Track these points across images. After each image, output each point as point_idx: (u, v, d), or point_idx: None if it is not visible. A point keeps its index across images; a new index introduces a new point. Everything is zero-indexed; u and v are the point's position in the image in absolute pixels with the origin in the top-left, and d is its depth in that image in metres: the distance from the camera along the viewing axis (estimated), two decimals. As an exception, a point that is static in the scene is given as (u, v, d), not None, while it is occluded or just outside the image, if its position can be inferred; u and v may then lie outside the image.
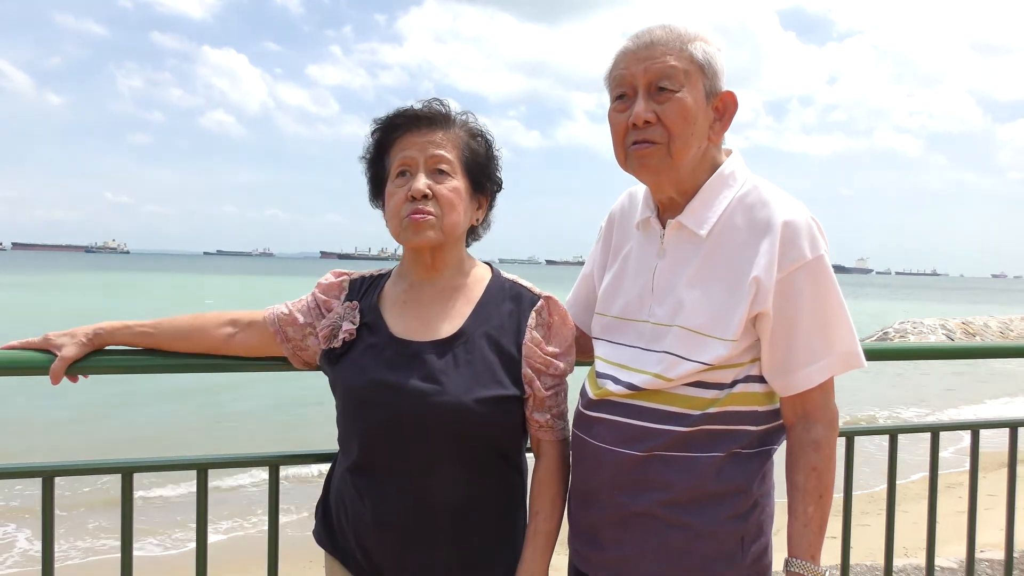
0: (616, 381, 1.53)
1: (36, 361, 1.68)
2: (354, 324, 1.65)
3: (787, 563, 1.47)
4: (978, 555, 2.77)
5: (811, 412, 1.48)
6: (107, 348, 1.73)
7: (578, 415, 1.62)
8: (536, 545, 1.62)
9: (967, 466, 2.49)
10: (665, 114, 1.45)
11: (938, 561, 2.64)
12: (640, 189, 1.67)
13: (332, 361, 1.66)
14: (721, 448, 1.47)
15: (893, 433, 2.40)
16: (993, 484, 2.82)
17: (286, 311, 1.74)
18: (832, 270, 1.46)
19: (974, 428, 2.49)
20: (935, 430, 2.45)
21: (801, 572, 1.44)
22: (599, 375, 1.59)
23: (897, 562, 2.57)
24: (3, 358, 1.68)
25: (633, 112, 1.47)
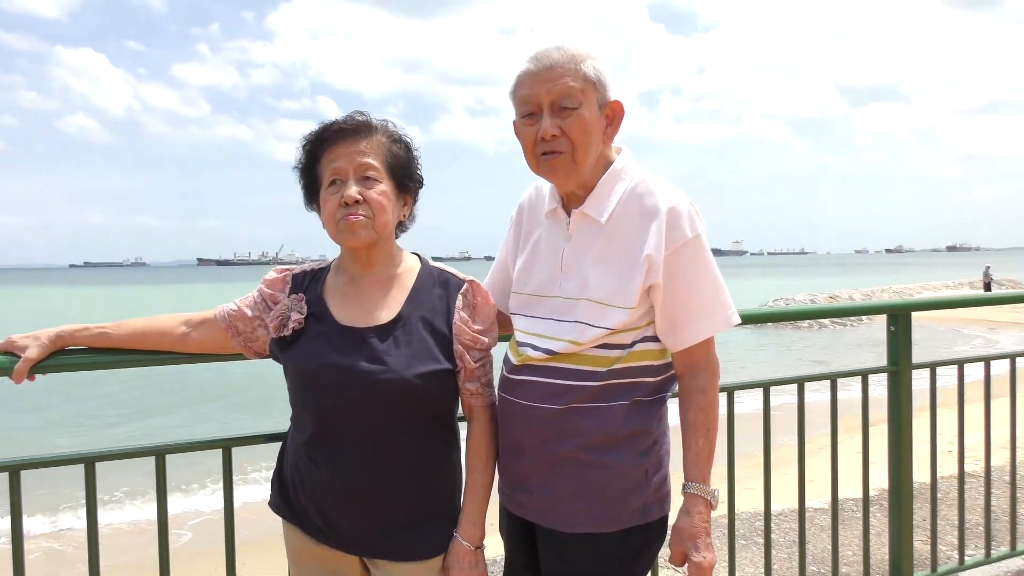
0: (535, 348, 1.81)
1: (-1, 363, 1.81)
2: (302, 314, 1.85)
3: (684, 486, 1.78)
4: (844, 496, 3.21)
5: (697, 363, 1.80)
6: (67, 348, 1.88)
7: (503, 380, 1.89)
8: (475, 496, 1.87)
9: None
10: (568, 128, 1.73)
11: (810, 503, 3.03)
12: (545, 183, 1.95)
13: (283, 348, 1.86)
14: (626, 398, 1.77)
15: (766, 386, 2.78)
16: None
17: (235, 308, 1.93)
18: (708, 247, 1.77)
19: (800, 382, 2.90)
20: (800, 381, 2.85)
21: (696, 492, 1.75)
22: (520, 344, 1.86)
23: (777, 506, 2.95)
24: (-34, 360, 1.81)
25: (542, 128, 1.74)
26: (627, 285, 1.74)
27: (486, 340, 1.88)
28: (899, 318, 3.01)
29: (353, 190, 1.78)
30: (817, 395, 2.91)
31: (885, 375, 3.05)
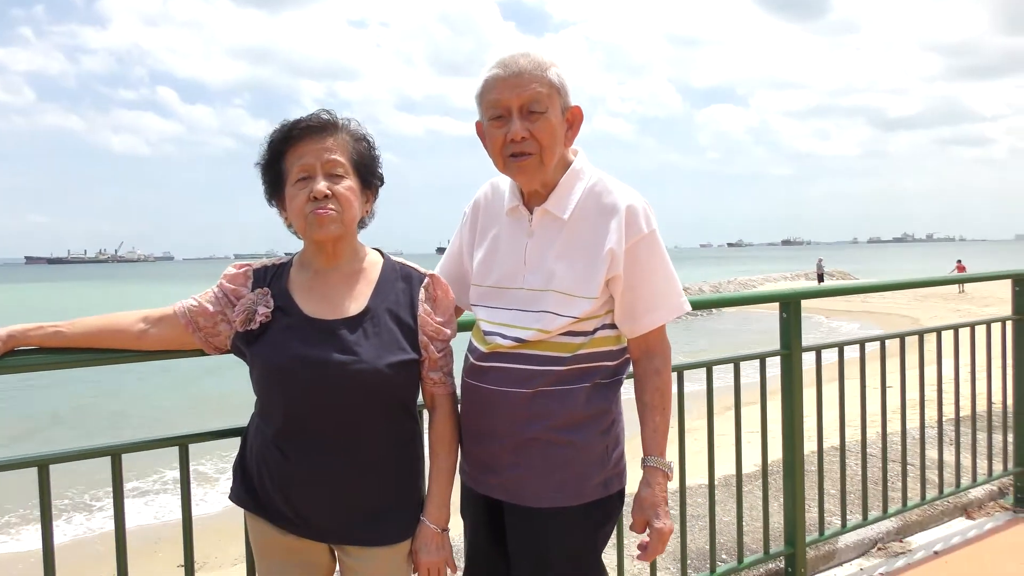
0: (504, 336, 1.91)
1: (-51, 365, 1.75)
2: (268, 307, 1.88)
3: (643, 460, 1.93)
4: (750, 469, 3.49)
5: (652, 347, 1.96)
6: (19, 348, 1.83)
7: (470, 367, 1.98)
8: (441, 481, 1.95)
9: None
10: (536, 131, 1.84)
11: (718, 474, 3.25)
12: (502, 181, 2.05)
13: (249, 342, 1.88)
14: (587, 380, 1.90)
15: (709, 366, 3.07)
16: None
17: (195, 303, 1.93)
18: (662, 242, 1.93)
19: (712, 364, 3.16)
20: (709, 365, 3.09)
21: (655, 465, 1.91)
22: (487, 333, 1.96)
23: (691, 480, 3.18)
24: (-84, 365, 1.74)
25: (511, 131, 1.84)
26: (591, 277, 1.87)
27: (447, 331, 1.96)
28: (790, 305, 3.30)
29: (322, 185, 1.83)
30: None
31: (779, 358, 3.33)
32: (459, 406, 2.03)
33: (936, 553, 3.79)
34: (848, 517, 3.63)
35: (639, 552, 1.93)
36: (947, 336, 4.06)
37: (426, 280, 1.97)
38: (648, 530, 1.91)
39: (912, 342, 3.91)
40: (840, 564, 3.69)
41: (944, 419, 4.13)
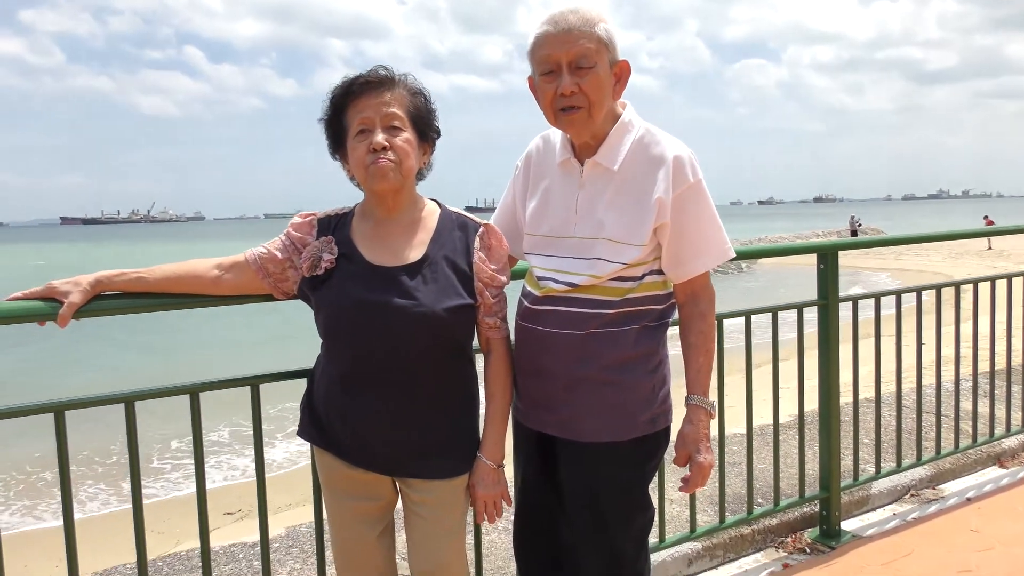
0: (556, 281, 2.01)
1: (41, 309, 1.87)
2: (333, 255, 1.99)
3: (687, 399, 2.04)
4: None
5: (697, 292, 2.05)
6: (105, 293, 1.96)
7: (525, 311, 2.08)
8: (496, 419, 2.07)
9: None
10: (585, 85, 1.92)
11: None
12: (553, 135, 2.14)
13: (315, 287, 1.99)
14: (636, 323, 2.00)
15: (747, 315, 3.15)
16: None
17: (264, 251, 2.05)
18: (707, 190, 2.01)
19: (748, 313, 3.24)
20: (747, 314, 3.17)
21: (698, 404, 2.02)
22: (540, 279, 2.06)
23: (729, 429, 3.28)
24: (12, 308, 1.86)
25: (561, 85, 1.92)
26: (640, 225, 1.95)
27: (502, 278, 2.06)
28: (828, 257, 3.36)
29: (381, 137, 1.92)
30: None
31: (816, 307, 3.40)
32: (513, 349, 2.14)
33: (968, 500, 3.88)
34: (882, 465, 3.72)
35: (682, 484, 2.05)
36: (984, 289, 4.10)
37: (481, 229, 2.06)
38: (690, 464, 2.02)
39: (948, 295, 3.96)
40: (873, 509, 3.79)
41: (979, 372, 4.19)
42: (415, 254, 1.99)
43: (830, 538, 3.45)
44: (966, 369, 4.21)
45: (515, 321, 2.13)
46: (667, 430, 2.10)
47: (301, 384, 2.18)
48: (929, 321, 3.77)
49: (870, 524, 3.64)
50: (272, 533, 3.38)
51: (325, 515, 2.15)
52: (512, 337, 2.14)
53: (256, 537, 2.40)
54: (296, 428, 2.13)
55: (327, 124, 2.03)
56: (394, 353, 1.93)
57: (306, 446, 2.12)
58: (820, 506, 3.50)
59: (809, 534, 3.50)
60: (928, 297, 3.87)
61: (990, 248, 33.16)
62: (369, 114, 1.94)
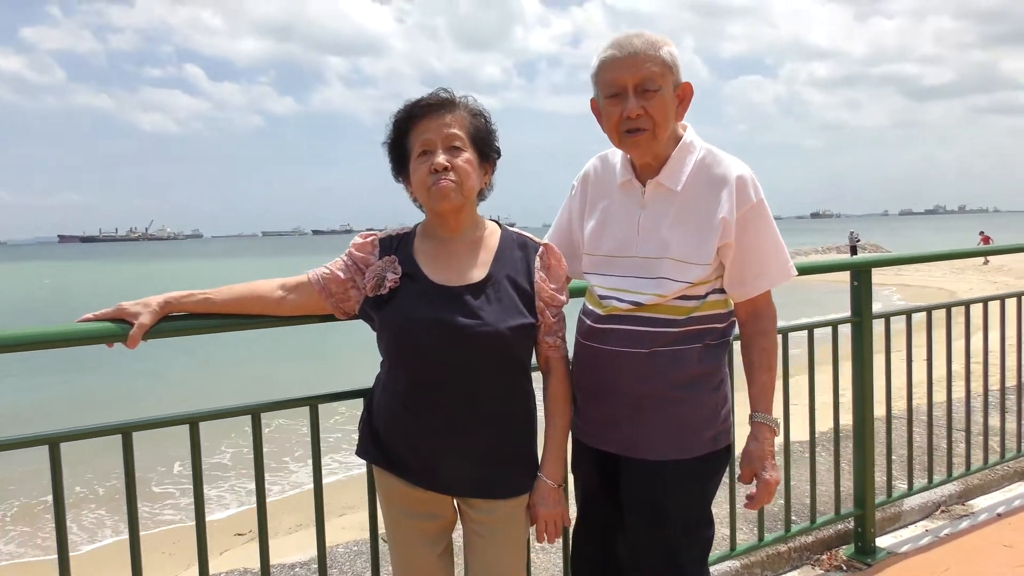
0: (620, 300, 2.04)
1: (111, 330, 1.89)
2: (396, 274, 2.01)
3: (751, 416, 2.06)
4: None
5: (759, 310, 2.08)
6: (171, 315, 1.98)
7: (588, 330, 2.10)
8: (556, 438, 2.07)
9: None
10: (651, 108, 1.95)
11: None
12: (612, 155, 2.17)
13: (378, 307, 2.01)
14: (699, 341, 2.02)
15: (785, 332, 3.16)
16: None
17: (327, 271, 2.07)
18: (769, 210, 2.04)
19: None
20: (784, 332, 3.19)
21: (762, 421, 2.05)
22: (602, 298, 2.08)
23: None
24: (84, 329, 1.88)
25: (627, 108, 1.96)
26: (704, 244, 1.98)
27: (561, 298, 2.08)
28: (862, 274, 3.39)
29: (442, 158, 1.95)
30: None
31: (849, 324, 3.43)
32: (571, 367, 2.16)
33: (999, 515, 3.89)
34: (913, 482, 3.74)
35: (747, 501, 2.06)
36: (1011, 305, 4.13)
37: (541, 249, 2.08)
38: (756, 481, 2.04)
39: (975, 310, 3.99)
40: (905, 526, 3.80)
41: (1002, 387, 4.22)
42: (478, 274, 2.01)
43: (866, 555, 3.46)
44: (990, 385, 4.23)
45: (575, 340, 2.15)
46: (728, 448, 2.11)
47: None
48: (940, 336, 3.80)
49: (903, 541, 3.65)
50: (305, 555, 3.38)
51: (382, 532, 2.16)
52: (571, 356, 2.16)
53: (313, 551, 2.40)
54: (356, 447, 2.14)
55: (390, 147, 2.06)
56: (458, 372, 1.95)
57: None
58: (855, 523, 3.51)
59: (844, 551, 3.51)
60: (950, 314, 3.89)
61: (987, 263, 33.25)
62: (430, 136, 1.97)
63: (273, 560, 2.32)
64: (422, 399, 1.97)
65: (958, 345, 3.81)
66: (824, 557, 3.46)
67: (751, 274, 2.02)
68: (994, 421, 4.20)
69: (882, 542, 3.59)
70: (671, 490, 2.03)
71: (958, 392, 4.01)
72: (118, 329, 1.89)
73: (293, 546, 5.94)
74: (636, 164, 2.08)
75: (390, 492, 2.07)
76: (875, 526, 3.52)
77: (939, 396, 4.08)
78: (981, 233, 38.97)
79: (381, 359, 2.10)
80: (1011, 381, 4.32)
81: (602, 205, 2.16)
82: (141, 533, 2.04)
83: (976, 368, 4.01)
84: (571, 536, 2.32)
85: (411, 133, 2.01)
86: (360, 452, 2.13)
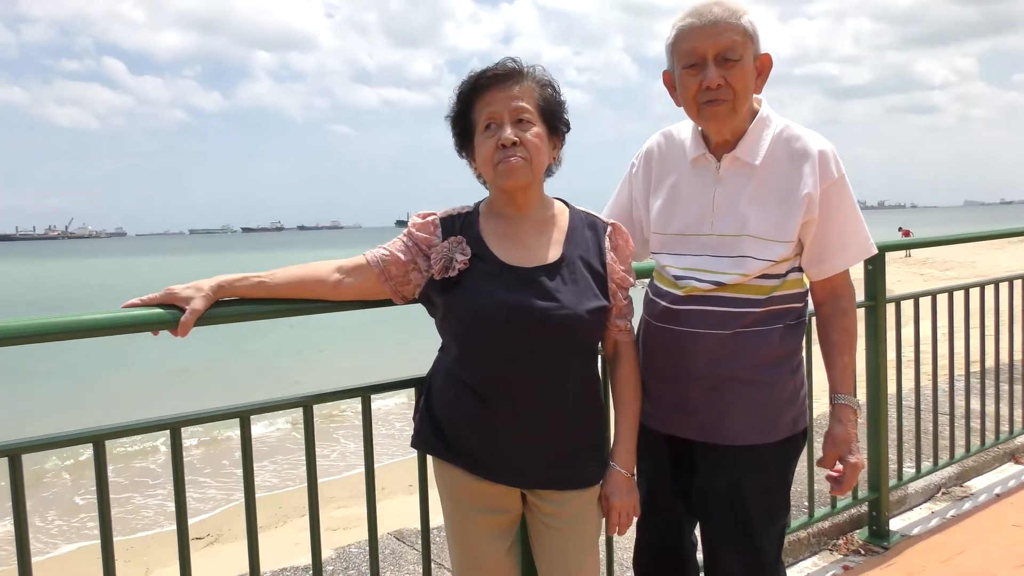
0: (700, 280, 1.95)
1: (162, 316, 1.73)
2: (466, 255, 1.89)
3: (833, 398, 2.00)
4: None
5: (839, 289, 2.01)
6: (224, 299, 1.83)
7: (663, 311, 2.01)
8: (627, 425, 1.98)
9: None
10: (731, 78, 1.87)
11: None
12: (677, 131, 2.08)
13: (445, 290, 1.88)
14: (780, 321, 1.95)
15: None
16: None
17: (387, 252, 1.93)
18: (850, 185, 1.98)
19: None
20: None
21: (844, 403, 1.98)
22: (678, 278, 1.99)
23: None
24: (132, 316, 1.72)
25: (707, 78, 1.87)
26: (786, 221, 1.91)
27: (631, 279, 1.99)
28: (876, 259, 3.38)
29: (510, 132, 1.83)
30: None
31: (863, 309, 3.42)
32: (640, 350, 2.07)
33: (998, 496, 3.95)
34: (920, 464, 3.77)
35: (835, 486, 1.99)
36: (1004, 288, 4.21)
37: (609, 228, 1.99)
38: (843, 464, 1.98)
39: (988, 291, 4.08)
40: (911, 508, 3.82)
41: (985, 370, 4.33)
42: (552, 254, 1.90)
43: (880, 538, 3.47)
44: (975, 368, 4.30)
45: (642, 322, 2.06)
46: (805, 431, 2.05)
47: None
48: (926, 323, 3.86)
49: (913, 523, 3.67)
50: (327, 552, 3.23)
51: (438, 528, 2.04)
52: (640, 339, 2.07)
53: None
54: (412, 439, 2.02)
55: (454, 121, 1.94)
56: (534, 356, 1.84)
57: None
58: (870, 507, 3.51)
59: (859, 535, 3.51)
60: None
61: (908, 256, 34.18)
62: (497, 108, 1.85)
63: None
64: (497, 387, 1.85)
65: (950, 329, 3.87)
66: (840, 542, 3.46)
67: (830, 252, 1.96)
68: (990, 406, 4.28)
69: (893, 525, 3.60)
70: (752, 475, 1.96)
71: (947, 377, 4.06)
72: (168, 315, 1.74)
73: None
74: (712, 138, 2.00)
75: (456, 486, 1.95)
76: (889, 509, 3.53)
77: (942, 378, 4.13)
78: (901, 228, 40.15)
79: (442, 345, 1.98)
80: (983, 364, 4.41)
81: (670, 182, 2.07)
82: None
83: (975, 352, 4.08)
84: (634, 527, 2.23)
85: (476, 105, 1.89)
86: (417, 443, 2.00)
